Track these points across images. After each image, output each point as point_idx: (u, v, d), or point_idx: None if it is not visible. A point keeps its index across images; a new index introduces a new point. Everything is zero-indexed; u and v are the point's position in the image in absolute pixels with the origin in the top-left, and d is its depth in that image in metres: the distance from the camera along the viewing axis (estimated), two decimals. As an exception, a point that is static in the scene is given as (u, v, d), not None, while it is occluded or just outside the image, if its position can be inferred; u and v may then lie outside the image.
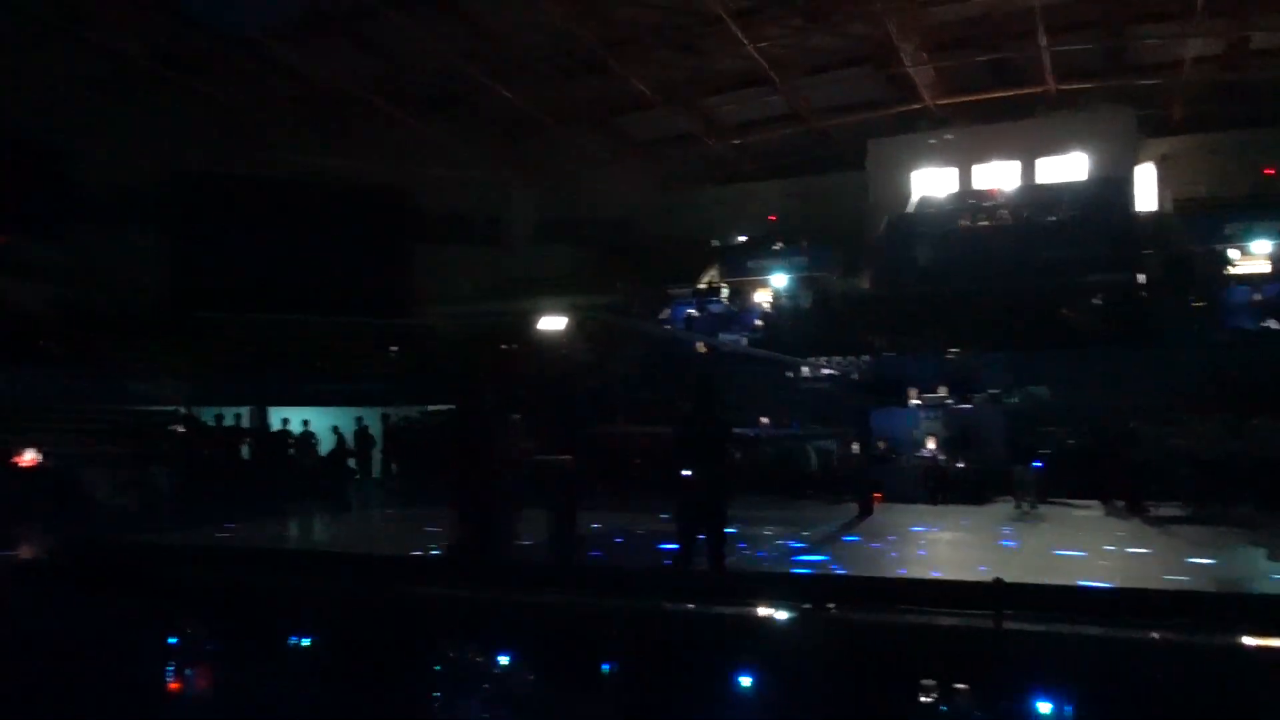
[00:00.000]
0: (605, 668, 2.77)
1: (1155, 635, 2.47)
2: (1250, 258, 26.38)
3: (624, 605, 2.85)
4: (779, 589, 2.97)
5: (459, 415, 9.19)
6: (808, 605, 2.68)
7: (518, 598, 2.98)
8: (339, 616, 3.00)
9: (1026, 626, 2.53)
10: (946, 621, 2.61)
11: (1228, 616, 2.70)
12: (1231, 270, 26.08)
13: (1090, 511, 16.70)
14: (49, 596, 3.02)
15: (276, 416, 24.69)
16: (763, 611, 2.73)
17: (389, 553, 9.31)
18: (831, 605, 2.70)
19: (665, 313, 29.32)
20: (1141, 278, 25.63)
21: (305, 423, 24.33)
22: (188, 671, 2.73)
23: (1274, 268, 25.51)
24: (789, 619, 2.65)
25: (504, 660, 2.85)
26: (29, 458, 19.44)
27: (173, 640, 2.71)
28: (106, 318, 27.06)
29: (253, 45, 25.47)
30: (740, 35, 24.86)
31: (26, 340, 23.24)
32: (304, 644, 2.99)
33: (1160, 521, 14.96)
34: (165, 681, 2.71)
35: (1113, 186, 28.75)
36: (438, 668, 2.72)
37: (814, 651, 2.57)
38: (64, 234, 28.56)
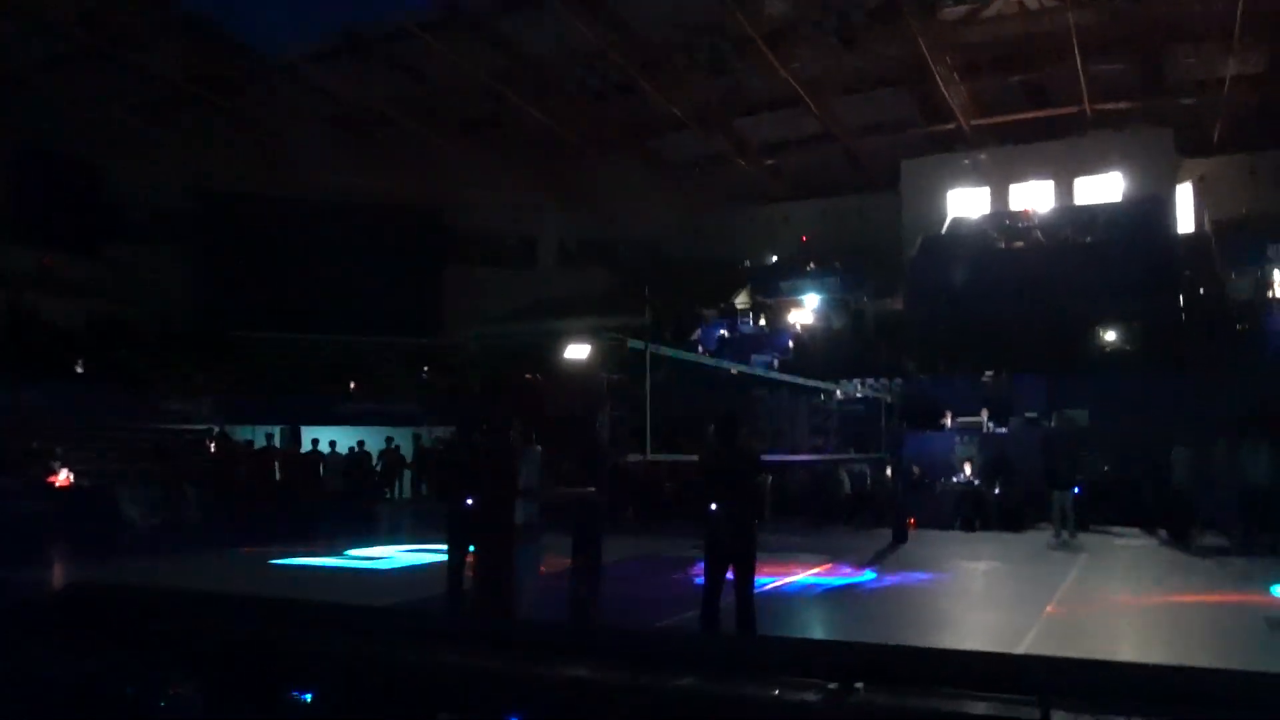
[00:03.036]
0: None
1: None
2: (1293, 280, 25.82)
3: (636, 681, 2.68)
4: (805, 660, 2.79)
5: (470, 445, 9.03)
6: (833, 685, 2.50)
7: (526, 666, 2.82)
8: (328, 678, 2.87)
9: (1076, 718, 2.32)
10: (987, 710, 2.40)
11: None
12: (1273, 294, 25.51)
13: (1131, 540, 16.29)
14: (29, 644, 2.91)
15: (308, 436, 24.79)
16: (785, 693, 2.55)
17: (393, 600, 9.18)
18: (859, 684, 2.51)
19: (696, 334, 29.16)
20: (1180, 300, 25.13)
21: (332, 444, 24.42)
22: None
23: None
24: (812, 701, 2.47)
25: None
26: (63, 477, 19.62)
27: (151, 697, 2.57)
28: (141, 335, 27.39)
29: (289, 68, 25.73)
30: (772, 57, 24.77)
31: (63, 357, 23.51)
32: (291, 706, 2.85)
33: (1207, 553, 14.53)
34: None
35: (1150, 207, 28.28)
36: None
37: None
38: (100, 252, 29.00)
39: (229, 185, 30.62)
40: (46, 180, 27.68)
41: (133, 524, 19.40)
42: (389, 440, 24.78)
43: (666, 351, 10.97)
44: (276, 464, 23.54)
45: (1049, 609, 9.91)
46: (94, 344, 25.38)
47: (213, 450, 22.06)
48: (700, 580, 7.71)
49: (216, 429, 23.65)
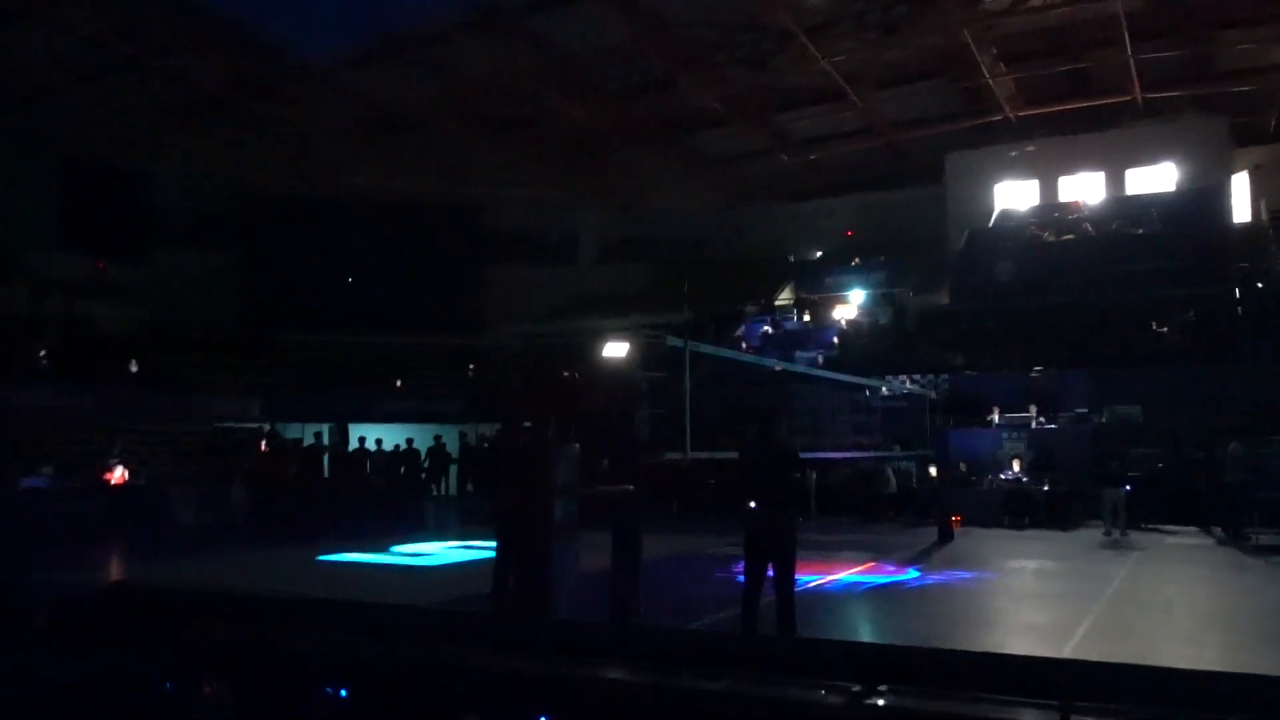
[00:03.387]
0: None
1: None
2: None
3: (663, 682, 2.68)
4: (831, 662, 2.77)
5: (510, 444, 9.10)
6: (858, 688, 2.48)
7: (562, 667, 2.83)
8: (362, 680, 2.89)
9: (1100, 723, 2.28)
10: (1006, 714, 2.37)
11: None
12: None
13: (1184, 539, 15.96)
14: (71, 645, 2.98)
15: (355, 434, 25.11)
16: (807, 694, 2.53)
17: (438, 597, 9.24)
18: (883, 687, 2.48)
19: (739, 330, 29.07)
20: (1236, 292, 24.54)
21: (379, 441, 24.70)
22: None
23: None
24: (835, 703, 2.45)
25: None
26: (118, 476, 20.08)
27: (189, 696, 2.62)
28: (189, 338, 27.96)
29: (326, 72, 26.03)
30: (813, 50, 24.57)
31: (115, 361, 24.05)
32: (323, 708, 2.89)
33: (1263, 551, 14.18)
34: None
35: (1204, 197, 27.65)
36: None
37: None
38: (147, 259, 29.60)
39: (269, 189, 31.09)
40: (92, 189, 28.28)
41: (184, 522, 19.83)
42: (437, 438, 25.02)
43: (705, 348, 10.95)
44: (325, 461, 23.90)
45: (1097, 609, 9.74)
46: (145, 348, 25.93)
47: (263, 448, 22.42)
48: (741, 579, 7.69)
49: (266, 427, 24.06)
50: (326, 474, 23.41)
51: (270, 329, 29.33)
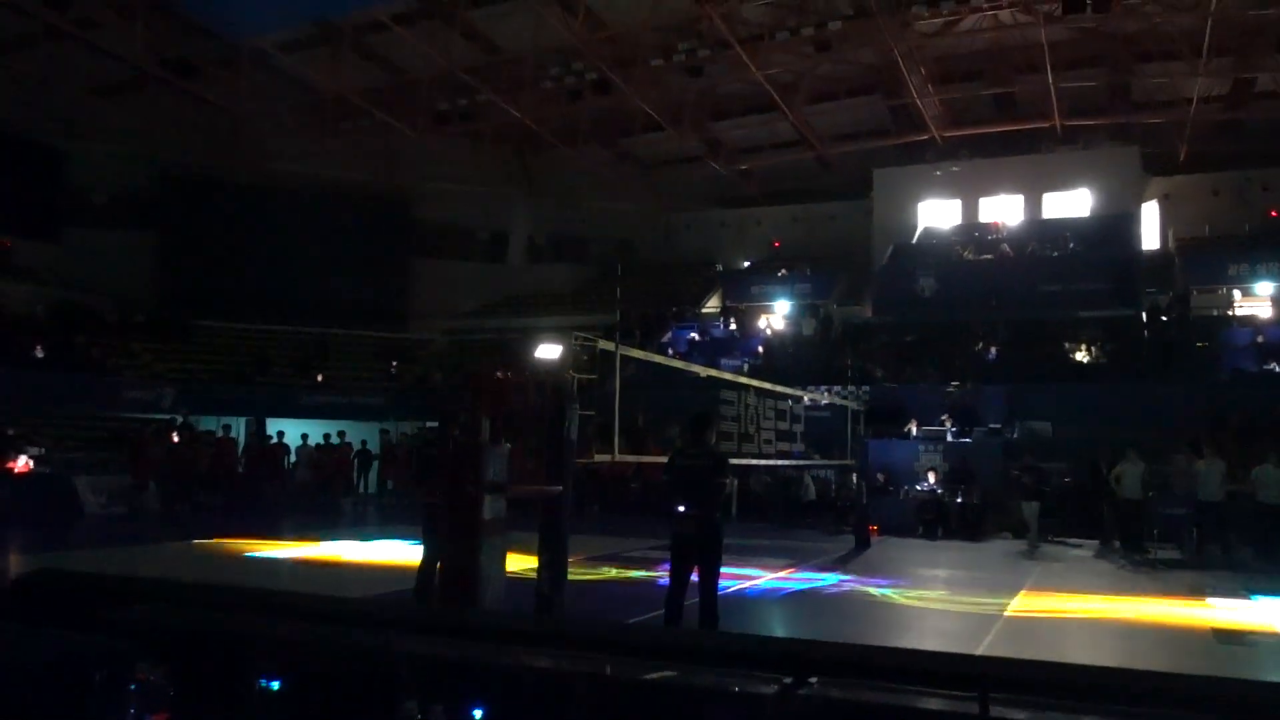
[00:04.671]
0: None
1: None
2: (1252, 299, 26.34)
3: (601, 669, 2.75)
4: (762, 656, 2.87)
5: (442, 441, 9.09)
6: (788, 679, 2.59)
7: (491, 655, 2.88)
8: (296, 666, 2.90)
9: (1014, 714, 2.43)
10: (931, 705, 2.50)
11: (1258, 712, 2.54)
12: (1234, 311, 26.04)
13: (1085, 552, 16.57)
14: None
15: (273, 427, 24.67)
16: (741, 684, 2.63)
17: (358, 589, 9.17)
18: (813, 679, 2.59)
19: (667, 336, 29.25)
20: (1143, 316, 25.61)
21: (304, 436, 24.33)
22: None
23: (1276, 310, 25.44)
24: (767, 694, 2.55)
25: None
26: (22, 463, 19.34)
27: (114, 683, 2.60)
28: (102, 321, 27.02)
29: (258, 54, 25.48)
30: (748, 60, 24.89)
31: (21, 343, 23.15)
32: (259, 694, 2.89)
33: (1158, 564, 14.81)
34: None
35: (1116, 223, 28.74)
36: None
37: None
38: (60, 236, 28.57)
39: (193, 171, 30.25)
40: (4, 162, 27.16)
41: (92, 512, 19.22)
42: (341, 434, 24.71)
43: (635, 353, 11.05)
44: (241, 456, 23.42)
45: (1004, 616, 10.10)
46: (54, 330, 25.01)
47: (175, 440, 21.84)
48: (664, 581, 7.80)
49: (180, 419, 23.43)
50: (242, 469, 22.99)
51: (188, 315, 28.53)
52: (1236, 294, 26.61)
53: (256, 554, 13.83)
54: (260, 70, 26.43)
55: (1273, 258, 26.22)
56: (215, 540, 15.08)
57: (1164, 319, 25.22)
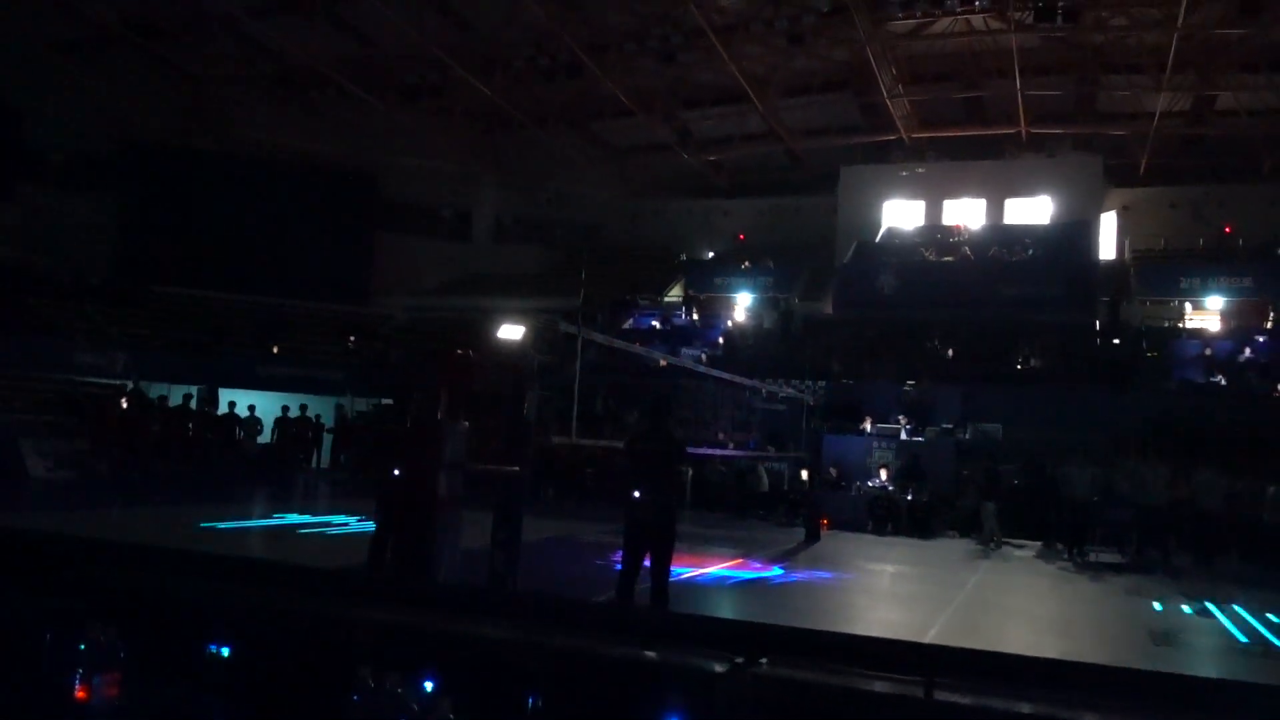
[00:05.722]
0: (530, 702, 2.71)
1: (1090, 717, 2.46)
2: (1203, 312, 26.96)
3: (555, 641, 2.78)
4: (714, 635, 2.93)
5: (401, 417, 9.06)
6: (740, 659, 2.64)
7: (444, 624, 2.90)
8: (249, 631, 2.90)
9: (957, 699, 2.50)
10: (878, 687, 2.57)
11: (1188, 703, 2.67)
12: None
13: (1029, 553, 16.87)
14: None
15: (225, 398, 24.37)
16: (694, 661, 2.68)
17: (311, 560, 9.12)
18: (764, 660, 2.65)
19: (629, 322, 29.28)
20: (1096, 324, 26.08)
21: (251, 408, 24.03)
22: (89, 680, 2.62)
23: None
24: (719, 671, 2.60)
25: (426, 689, 2.77)
26: (-36, 423, 18.95)
27: (69, 645, 2.59)
28: (55, 284, 26.45)
29: (227, 19, 25.05)
30: (722, 50, 24.92)
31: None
32: (211, 658, 2.88)
33: (1098, 567, 15.13)
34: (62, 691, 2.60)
35: (1075, 232, 29.20)
36: (355, 697, 2.64)
37: (741, 707, 2.53)
38: (13, 195, 27.88)
39: (156, 135, 29.68)
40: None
41: (37, 475, 18.88)
42: (303, 408, 24.48)
43: (598, 338, 11.06)
44: (191, 425, 23.10)
45: (946, 611, 10.29)
46: (4, 290, 24.44)
47: (124, 406, 21.48)
48: (618, 565, 7.85)
49: (130, 385, 23.04)
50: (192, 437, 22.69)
51: (143, 281, 28.01)
52: (1188, 306, 27.21)
53: (209, 525, 13.67)
54: (228, 35, 25.99)
55: (1224, 273, 26.87)
56: (163, 508, 14.88)
57: (1116, 328, 25.70)
